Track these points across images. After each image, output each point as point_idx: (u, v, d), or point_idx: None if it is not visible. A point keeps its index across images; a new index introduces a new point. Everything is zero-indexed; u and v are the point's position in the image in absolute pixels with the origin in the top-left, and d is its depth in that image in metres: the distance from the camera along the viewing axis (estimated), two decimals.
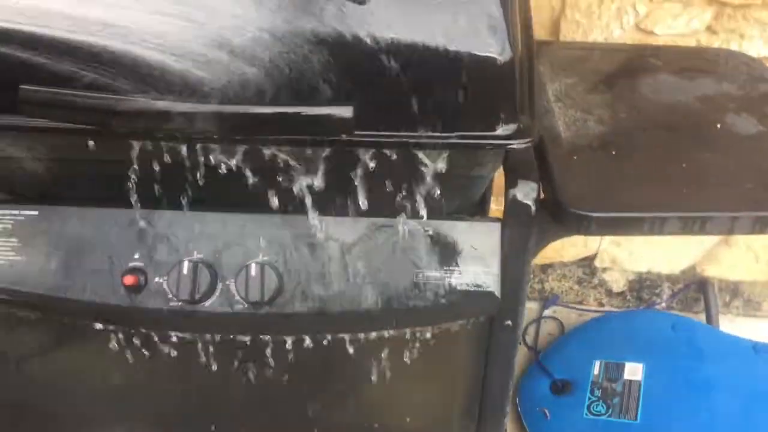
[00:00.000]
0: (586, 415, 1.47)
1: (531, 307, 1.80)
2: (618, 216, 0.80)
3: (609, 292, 1.81)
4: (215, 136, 0.70)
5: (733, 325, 1.74)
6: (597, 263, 1.73)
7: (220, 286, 0.83)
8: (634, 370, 1.53)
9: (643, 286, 1.79)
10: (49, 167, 0.82)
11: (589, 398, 1.50)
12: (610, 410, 1.46)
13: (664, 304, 1.80)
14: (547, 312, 1.79)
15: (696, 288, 1.77)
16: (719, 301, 1.76)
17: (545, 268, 1.78)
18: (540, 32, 1.37)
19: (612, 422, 1.44)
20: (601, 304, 1.82)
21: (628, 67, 1.06)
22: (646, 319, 1.71)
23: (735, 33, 1.34)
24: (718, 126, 0.92)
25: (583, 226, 0.80)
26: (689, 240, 1.66)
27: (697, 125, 0.93)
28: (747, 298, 1.79)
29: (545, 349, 1.68)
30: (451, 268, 0.84)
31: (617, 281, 1.79)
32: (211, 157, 0.75)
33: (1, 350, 0.93)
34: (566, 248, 1.71)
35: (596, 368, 1.55)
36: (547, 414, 1.50)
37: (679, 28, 1.36)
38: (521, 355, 1.68)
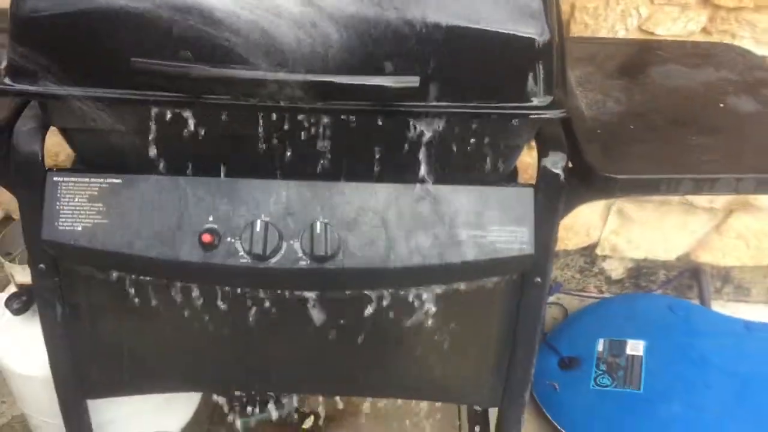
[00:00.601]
0: (593, 386, 1.58)
1: None
2: (639, 178, 0.92)
3: (608, 280, 1.92)
4: (300, 104, 0.80)
5: (724, 309, 1.86)
6: (598, 251, 1.85)
7: (285, 244, 0.93)
8: (635, 346, 1.64)
9: (640, 273, 1.91)
10: (133, 140, 0.92)
11: (595, 372, 1.60)
12: (615, 382, 1.57)
13: (660, 291, 1.92)
14: (551, 299, 1.90)
15: (690, 275, 1.89)
16: (711, 287, 1.89)
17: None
18: None
19: (617, 392, 1.55)
20: (601, 291, 1.94)
21: (638, 58, 1.18)
22: (645, 301, 1.83)
23: (727, 34, 1.48)
24: (721, 105, 1.04)
25: (610, 187, 0.91)
26: (684, 228, 1.78)
27: (703, 105, 1.05)
28: (737, 284, 1.91)
29: (551, 331, 1.79)
30: (492, 228, 0.95)
31: (616, 269, 1.91)
32: (285, 125, 0.85)
33: (83, 308, 1.01)
34: (570, 237, 1.82)
35: (600, 345, 1.66)
36: (557, 387, 1.61)
37: (677, 29, 1.49)
38: None
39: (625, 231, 1.80)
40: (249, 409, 1.50)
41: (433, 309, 1.00)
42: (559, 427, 1.54)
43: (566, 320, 1.82)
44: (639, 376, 1.57)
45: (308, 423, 1.53)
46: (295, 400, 1.54)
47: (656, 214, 1.75)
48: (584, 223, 1.79)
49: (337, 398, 1.52)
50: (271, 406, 1.52)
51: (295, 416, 1.53)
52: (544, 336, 1.76)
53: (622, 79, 1.11)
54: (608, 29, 1.47)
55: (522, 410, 1.14)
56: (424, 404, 1.46)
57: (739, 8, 1.44)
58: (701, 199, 1.71)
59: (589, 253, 1.87)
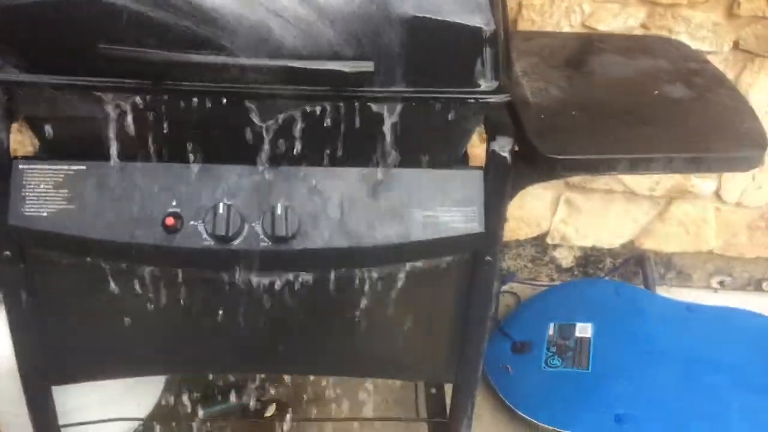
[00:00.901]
0: (544, 367, 1.65)
1: None
2: (579, 158, 0.98)
3: (559, 268, 2.00)
4: (260, 88, 0.85)
5: (668, 294, 1.95)
6: (548, 240, 1.92)
7: (247, 227, 0.97)
8: (584, 329, 1.71)
9: (588, 261, 1.99)
10: (97, 127, 0.95)
11: (546, 354, 1.68)
12: (565, 362, 1.64)
13: (607, 278, 2.01)
14: (504, 288, 1.97)
15: (635, 262, 1.97)
16: (655, 273, 1.98)
17: (502, 248, 1.96)
18: None
19: (567, 372, 1.63)
20: (552, 280, 2.01)
21: (580, 49, 1.25)
22: (592, 287, 1.91)
23: (665, 29, 1.56)
24: (655, 92, 1.11)
25: (552, 167, 0.98)
26: (627, 216, 1.87)
27: (639, 91, 1.13)
28: (680, 269, 2.01)
29: (505, 318, 1.86)
30: (444, 208, 1.00)
31: (566, 258, 1.98)
32: (246, 111, 0.89)
33: (47, 294, 1.04)
34: (521, 227, 1.89)
35: (551, 329, 1.74)
36: (510, 369, 1.67)
37: (618, 25, 1.57)
38: None
39: (573, 220, 1.87)
40: (212, 398, 1.54)
41: (390, 288, 1.05)
42: (512, 407, 1.60)
43: (518, 307, 1.89)
44: (587, 356, 1.65)
45: (270, 411, 1.56)
46: (256, 390, 1.57)
47: (601, 203, 1.84)
48: (535, 214, 1.87)
49: (297, 384, 1.56)
50: (233, 395, 1.55)
51: (258, 405, 1.56)
52: (497, 323, 1.83)
53: (564, 69, 1.18)
54: (553, 25, 1.55)
55: (475, 386, 1.19)
56: (384, 387, 1.52)
57: (674, 5, 1.53)
58: (643, 188, 1.79)
59: (540, 242, 1.94)
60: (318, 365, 1.17)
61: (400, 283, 1.05)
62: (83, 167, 0.96)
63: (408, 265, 1.04)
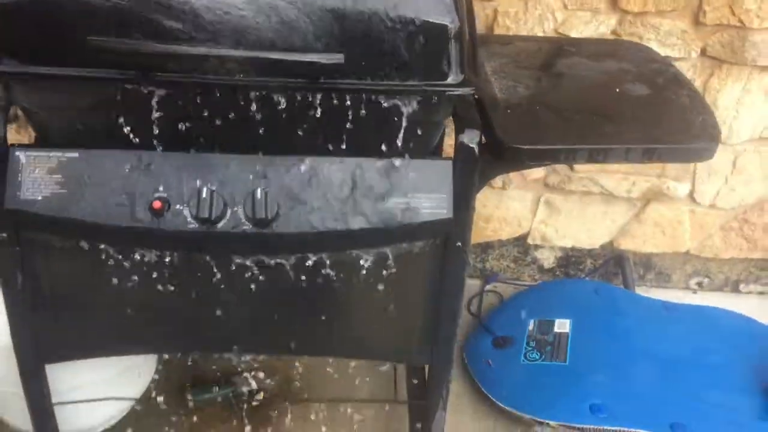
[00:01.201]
0: (523, 361, 1.70)
1: (474, 284, 2.04)
2: (541, 148, 1.05)
3: (541, 269, 2.06)
4: (240, 79, 0.92)
5: (648, 295, 2.00)
6: (530, 240, 1.98)
7: (229, 211, 1.04)
8: (562, 325, 1.77)
9: (569, 262, 2.05)
10: (89, 116, 1.02)
11: (526, 348, 1.73)
12: (543, 356, 1.70)
13: (587, 278, 2.07)
14: (488, 287, 2.03)
15: (614, 263, 2.03)
16: (635, 273, 2.04)
17: (486, 248, 2.02)
18: None
19: (545, 365, 1.68)
20: (535, 280, 2.07)
21: (549, 52, 1.32)
22: (572, 286, 1.97)
23: (635, 36, 1.63)
24: (617, 90, 1.18)
25: (516, 157, 1.05)
26: (605, 217, 1.93)
27: (602, 90, 1.20)
28: (659, 270, 2.07)
29: (487, 315, 1.92)
30: (416, 195, 1.06)
31: (547, 258, 2.04)
32: (228, 101, 0.96)
33: (41, 275, 1.10)
34: (503, 227, 1.96)
35: (531, 325, 1.79)
36: (491, 363, 1.73)
37: (589, 32, 1.64)
38: (467, 321, 1.91)
39: (553, 221, 1.94)
40: (201, 386, 1.59)
41: (365, 272, 1.11)
42: (493, 399, 1.66)
43: (500, 305, 1.95)
44: (565, 350, 1.70)
45: (257, 400, 1.62)
46: (245, 378, 1.63)
47: (579, 204, 1.90)
48: (516, 215, 1.93)
49: (286, 373, 1.62)
50: (222, 384, 1.61)
51: (246, 393, 1.62)
52: (480, 320, 1.89)
53: (532, 69, 1.25)
54: (527, 32, 1.62)
55: (450, 366, 1.25)
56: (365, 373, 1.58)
57: (643, 13, 1.60)
58: (620, 190, 1.86)
59: (522, 243, 2.00)
60: (297, 345, 1.23)
61: (374, 268, 1.11)
62: (75, 154, 1.03)
63: (382, 250, 1.10)
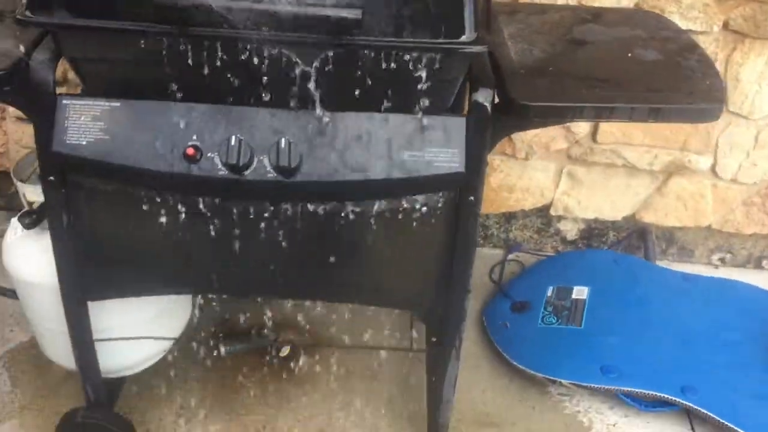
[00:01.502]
0: (540, 324, 1.76)
1: (497, 253, 2.10)
2: (548, 105, 1.10)
3: (564, 240, 2.11)
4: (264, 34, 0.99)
5: None
6: (552, 212, 2.03)
7: (256, 160, 1.12)
8: (580, 292, 1.83)
9: (592, 234, 2.09)
10: (130, 68, 1.11)
11: (543, 313, 1.79)
12: (560, 320, 1.76)
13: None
14: (510, 256, 2.08)
15: (637, 236, 2.07)
16: (657, 247, 2.07)
17: (509, 218, 2.08)
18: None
19: (561, 328, 1.74)
20: (557, 251, 2.12)
21: (566, 19, 1.37)
22: (592, 256, 2.02)
23: (657, 9, 1.67)
24: (629, 54, 1.23)
25: (525, 114, 1.10)
26: (628, 189, 1.97)
27: (614, 54, 1.25)
28: (681, 245, 2.10)
29: (507, 282, 1.98)
30: (430, 149, 1.13)
31: (570, 230, 2.09)
32: (252, 55, 1.04)
33: (85, 217, 1.20)
34: (526, 197, 2.01)
35: (549, 291, 1.85)
36: (508, 326, 1.79)
37: (611, 4, 1.68)
38: (488, 289, 1.98)
39: (576, 192, 1.98)
40: (233, 338, 1.69)
41: (382, 222, 1.18)
42: (508, 358, 1.72)
43: (521, 273, 2.01)
44: (581, 315, 1.76)
45: (285, 351, 1.71)
46: (274, 332, 1.72)
47: (602, 176, 1.94)
48: (538, 185, 1.98)
49: (311, 329, 1.71)
50: (251, 336, 1.71)
51: (274, 346, 1.71)
52: (500, 286, 1.95)
53: (548, 34, 1.31)
54: (552, 2, 1.66)
55: (463, 318, 1.32)
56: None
57: None
58: (642, 162, 1.90)
59: (545, 214, 2.05)
60: (318, 291, 1.31)
61: (391, 217, 1.18)
62: (117, 104, 1.12)
63: (398, 200, 1.17)
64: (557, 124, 1.72)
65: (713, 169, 1.91)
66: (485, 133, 1.15)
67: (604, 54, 1.26)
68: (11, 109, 1.92)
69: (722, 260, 2.12)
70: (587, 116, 1.11)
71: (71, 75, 1.79)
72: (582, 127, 1.86)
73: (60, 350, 1.43)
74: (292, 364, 1.70)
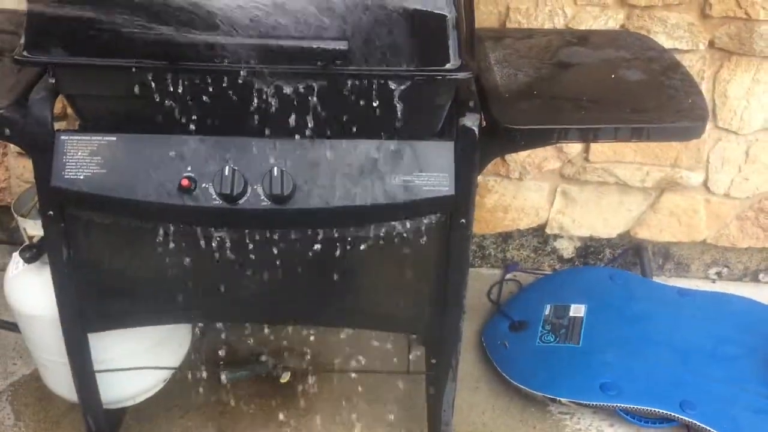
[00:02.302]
0: (538, 343, 1.78)
1: (494, 273, 2.12)
2: (534, 128, 1.13)
3: (560, 258, 2.12)
4: (253, 66, 1.02)
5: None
6: (548, 230, 2.05)
7: (250, 188, 1.14)
8: (577, 309, 1.84)
9: (588, 252, 2.11)
10: (124, 104, 1.14)
11: (541, 331, 1.80)
12: (558, 338, 1.77)
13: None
14: (508, 276, 2.10)
15: (633, 252, 2.09)
16: (653, 263, 2.09)
17: (506, 238, 2.10)
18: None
19: (559, 347, 1.75)
20: (554, 270, 2.14)
21: (552, 42, 1.40)
22: (588, 273, 2.03)
23: (643, 29, 1.70)
24: (613, 76, 1.26)
25: (512, 137, 1.13)
26: (621, 207, 1.99)
27: (598, 76, 1.28)
28: (677, 260, 2.11)
29: (506, 301, 1.99)
30: (419, 174, 1.16)
31: (567, 248, 2.11)
32: (243, 86, 1.07)
33: (84, 250, 1.22)
34: (521, 217, 2.03)
35: (547, 310, 1.86)
36: (507, 345, 1.80)
37: (598, 26, 1.71)
38: (486, 308, 1.99)
39: (570, 211, 2.00)
40: (234, 365, 1.70)
41: (375, 247, 1.20)
42: (507, 378, 1.73)
43: (519, 291, 2.02)
44: (579, 333, 1.77)
45: (285, 377, 1.72)
46: (274, 358, 1.73)
47: (595, 194, 1.96)
48: (533, 205, 2.00)
49: (312, 354, 1.72)
50: (252, 363, 1.72)
51: (275, 371, 1.72)
52: (498, 306, 1.97)
53: (533, 58, 1.34)
54: (539, 27, 1.70)
55: (458, 339, 1.34)
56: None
57: (650, 6, 1.67)
58: (634, 180, 1.92)
59: (541, 233, 2.07)
60: (316, 317, 1.33)
61: (384, 242, 1.20)
62: (113, 138, 1.15)
63: (391, 225, 1.20)
64: (544, 146, 1.74)
65: (705, 185, 1.93)
66: (474, 156, 1.18)
67: (589, 76, 1.28)
68: (12, 145, 1.95)
69: (719, 274, 2.13)
70: (572, 138, 1.13)
71: (70, 110, 1.82)
72: (574, 147, 1.89)
73: (62, 382, 1.44)
74: (293, 390, 1.71)
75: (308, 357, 1.77)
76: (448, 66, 1.08)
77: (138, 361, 1.43)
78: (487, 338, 1.86)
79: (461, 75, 1.08)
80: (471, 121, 1.16)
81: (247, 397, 1.70)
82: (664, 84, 1.26)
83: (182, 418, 1.65)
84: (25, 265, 1.35)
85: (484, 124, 1.17)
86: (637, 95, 1.22)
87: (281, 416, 1.66)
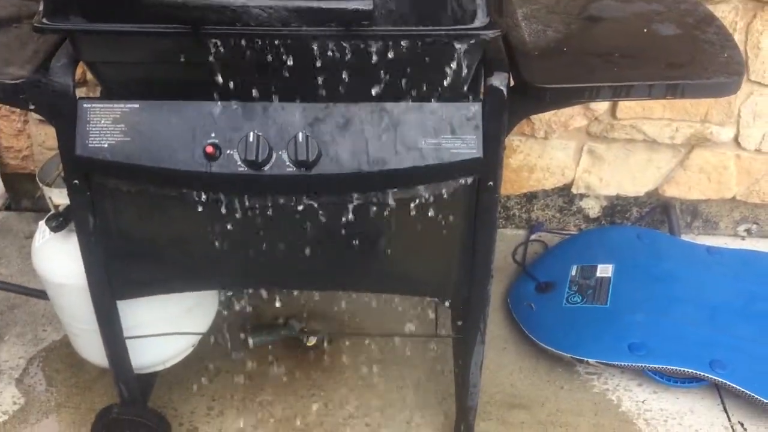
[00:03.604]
0: (565, 304, 1.76)
1: (519, 234, 2.10)
2: (565, 87, 1.10)
3: (586, 218, 2.10)
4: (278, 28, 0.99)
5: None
6: (574, 190, 2.02)
7: (275, 154, 1.13)
8: (605, 269, 1.82)
9: (615, 211, 2.08)
10: (146, 70, 1.12)
11: (567, 292, 1.79)
12: (585, 299, 1.75)
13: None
14: (533, 237, 2.08)
15: (661, 210, 2.06)
16: (681, 221, 2.06)
17: (530, 198, 2.07)
18: None
19: (586, 307, 1.74)
20: (580, 229, 2.11)
21: None
22: (615, 232, 2.01)
23: None
24: (645, 30, 1.22)
25: (542, 96, 1.10)
26: (649, 164, 1.95)
27: (629, 30, 1.23)
28: (706, 218, 2.08)
29: (531, 262, 1.97)
30: (446, 136, 1.13)
31: (593, 208, 2.08)
32: (267, 50, 1.04)
33: (110, 217, 1.22)
34: (546, 177, 2.00)
35: (573, 270, 1.85)
36: (533, 306, 1.79)
37: None
38: (512, 270, 1.98)
39: (597, 170, 1.97)
40: (260, 329, 1.71)
41: (403, 211, 1.19)
42: (534, 339, 1.72)
43: (544, 252, 2.00)
44: (606, 293, 1.76)
45: (312, 341, 1.73)
46: (300, 322, 1.74)
47: (623, 152, 1.93)
48: (559, 165, 1.97)
49: (338, 318, 1.72)
50: (277, 327, 1.73)
51: (301, 336, 1.73)
52: (523, 267, 1.95)
53: (563, 13, 1.29)
54: None
55: (486, 302, 1.32)
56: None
57: None
58: (663, 136, 1.88)
59: (566, 192, 2.04)
60: (341, 281, 1.32)
61: (412, 206, 1.18)
62: (136, 105, 1.13)
63: (418, 189, 1.17)
64: (574, 105, 1.71)
65: (736, 140, 1.89)
66: (502, 117, 1.15)
67: (621, 31, 1.24)
68: (33, 113, 1.94)
69: (748, 231, 2.09)
70: (604, 96, 1.10)
71: (90, 75, 1.81)
72: (601, 104, 1.85)
73: (92, 348, 1.45)
74: (319, 354, 1.72)
75: (334, 321, 1.78)
76: (476, 24, 1.04)
77: (167, 326, 1.44)
78: (513, 299, 1.85)
79: (490, 33, 1.05)
80: (499, 81, 1.12)
81: (274, 360, 1.71)
82: (699, 38, 1.21)
83: (211, 382, 1.66)
84: (52, 233, 1.35)
85: (512, 83, 1.14)
86: (671, 50, 1.18)
87: (308, 379, 1.67)
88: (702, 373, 1.58)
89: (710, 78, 1.11)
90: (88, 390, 1.66)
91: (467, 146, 1.14)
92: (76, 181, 1.18)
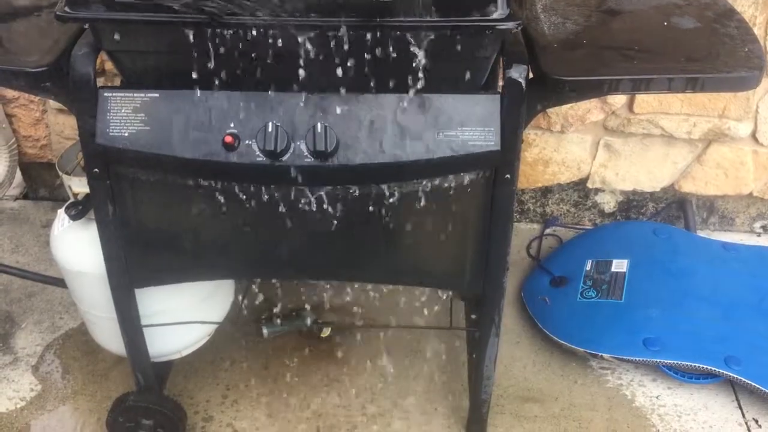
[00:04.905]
0: (579, 299, 1.76)
1: (533, 228, 2.10)
2: (584, 79, 1.10)
3: (601, 213, 2.09)
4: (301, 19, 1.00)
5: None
6: (589, 184, 2.02)
7: (293, 144, 1.13)
8: (620, 264, 1.81)
9: (630, 206, 2.07)
10: (166, 59, 1.12)
11: (582, 287, 1.78)
12: (599, 294, 1.75)
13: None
14: (548, 231, 2.08)
15: (677, 206, 2.05)
16: (697, 216, 2.05)
17: (545, 193, 2.07)
18: None
19: (600, 302, 1.73)
20: (595, 224, 2.11)
21: None
22: (631, 227, 2.00)
23: None
24: (665, 23, 1.21)
25: (561, 89, 1.10)
26: (666, 159, 1.94)
27: (649, 23, 1.22)
28: (722, 214, 2.07)
29: (546, 257, 1.97)
30: (464, 128, 1.13)
31: (608, 202, 2.07)
32: (288, 41, 1.05)
33: (129, 206, 1.23)
34: (562, 171, 2.00)
35: (588, 265, 1.84)
36: (547, 301, 1.79)
37: None
38: (526, 264, 1.98)
39: (613, 164, 1.96)
40: (274, 320, 1.72)
41: (419, 202, 1.19)
42: (548, 333, 1.72)
43: (559, 247, 2.00)
44: (621, 288, 1.75)
45: (326, 332, 1.74)
46: (314, 313, 1.75)
47: (640, 146, 1.92)
48: (575, 159, 1.97)
49: (351, 310, 1.72)
50: (292, 318, 1.74)
51: (315, 327, 1.74)
52: (538, 261, 1.95)
53: (582, 5, 1.29)
54: None
55: (501, 295, 1.32)
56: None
57: None
58: (681, 131, 1.87)
59: (581, 187, 2.04)
60: (358, 273, 1.33)
61: (428, 198, 1.19)
62: (157, 95, 1.14)
63: (435, 181, 1.18)
64: (593, 98, 1.70)
65: (754, 136, 1.87)
66: (520, 110, 1.14)
67: (640, 24, 1.23)
68: (51, 102, 1.96)
69: (764, 228, 2.08)
70: (624, 89, 1.10)
71: (108, 65, 1.82)
72: (618, 98, 1.84)
73: (109, 336, 1.47)
74: (333, 345, 1.73)
75: (349, 312, 1.79)
76: (495, 15, 1.04)
77: (184, 315, 1.45)
78: (527, 293, 1.85)
79: (509, 25, 1.05)
80: (518, 73, 1.12)
81: (289, 351, 1.72)
82: (719, 32, 1.20)
83: (227, 372, 1.68)
84: (71, 222, 1.36)
85: (531, 75, 1.14)
86: (691, 43, 1.17)
87: (321, 370, 1.68)
88: (717, 369, 1.57)
89: (730, 72, 1.11)
90: (105, 378, 1.67)
91: (485, 139, 1.14)
92: (96, 170, 1.19)
